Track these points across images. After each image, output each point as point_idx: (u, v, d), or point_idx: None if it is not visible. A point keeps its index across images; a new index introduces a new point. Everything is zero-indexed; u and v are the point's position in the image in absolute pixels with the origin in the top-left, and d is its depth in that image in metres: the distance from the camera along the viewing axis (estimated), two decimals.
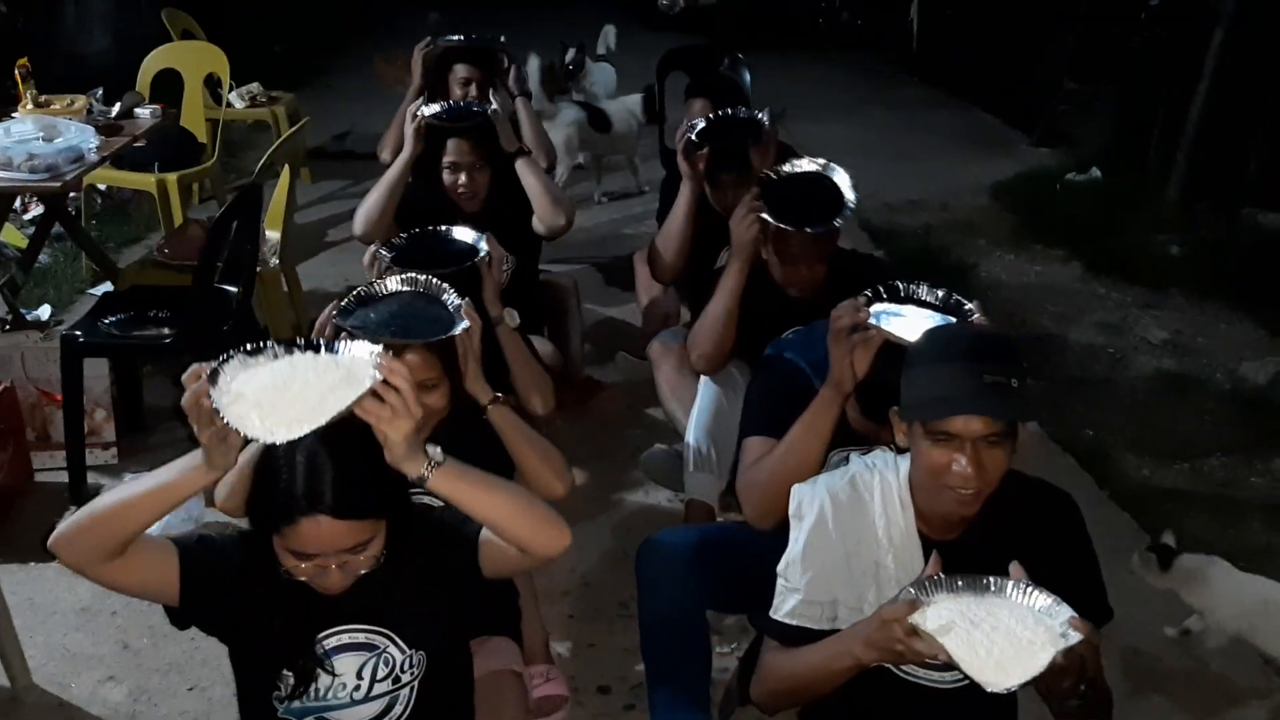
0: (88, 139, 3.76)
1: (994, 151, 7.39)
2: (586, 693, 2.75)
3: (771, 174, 3.04)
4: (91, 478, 3.50)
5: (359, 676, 1.89)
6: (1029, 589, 1.73)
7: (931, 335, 2.02)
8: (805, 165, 3.04)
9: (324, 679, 1.88)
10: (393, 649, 1.90)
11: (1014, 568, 1.77)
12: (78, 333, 3.45)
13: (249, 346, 1.65)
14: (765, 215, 2.90)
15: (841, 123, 7.68)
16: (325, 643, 1.88)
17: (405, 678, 1.91)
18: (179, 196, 4.91)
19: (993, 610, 1.71)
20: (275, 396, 1.57)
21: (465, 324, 2.29)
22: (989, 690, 1.67)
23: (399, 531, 1.84)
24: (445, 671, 1.98)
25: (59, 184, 3.63)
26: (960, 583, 1.75)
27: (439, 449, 1.71)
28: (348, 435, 1.72)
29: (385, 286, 2.38)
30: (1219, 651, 2.91)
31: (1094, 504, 3.41)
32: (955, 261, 5.50)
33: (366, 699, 1.90)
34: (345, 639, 1.88)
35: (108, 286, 4.43)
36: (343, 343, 1.68)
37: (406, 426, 1.64)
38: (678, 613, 2.49)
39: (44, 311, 4.58)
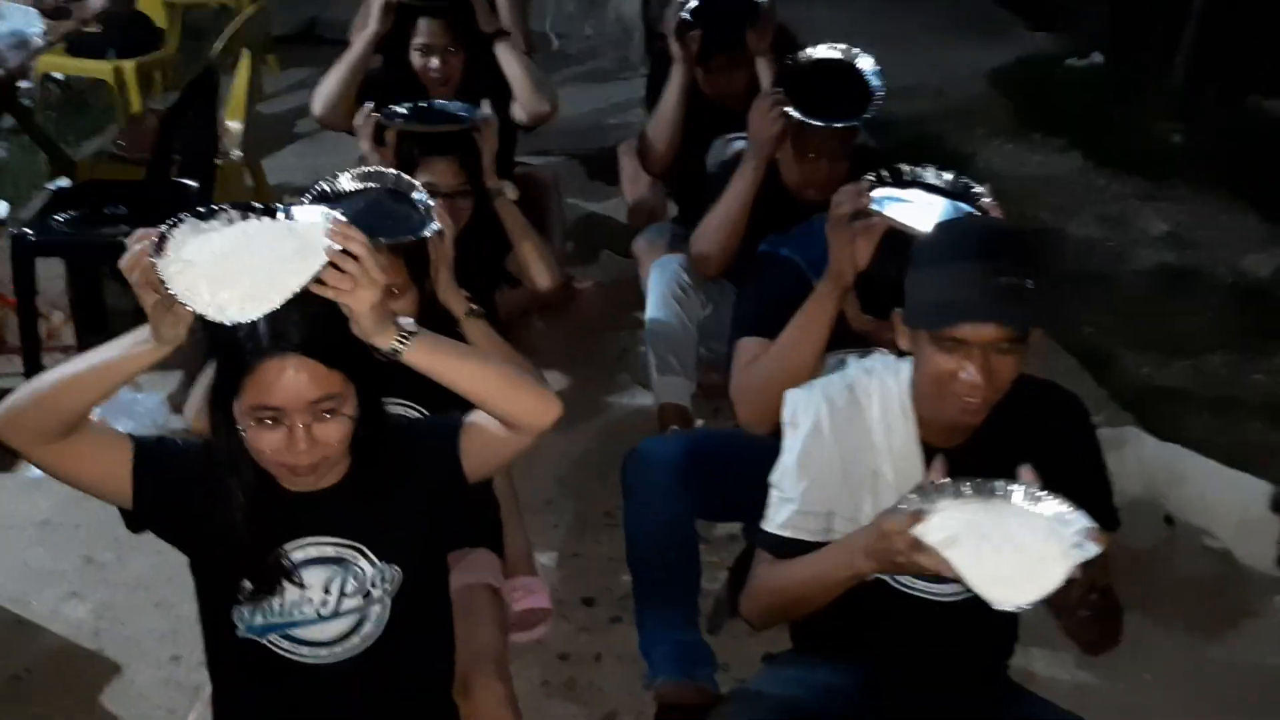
0: (32, 23, 3.52)
1: (991, 36, 7.14)
2: (570, 605, 2.66)
3: (790, 61, 2.86)
4: None
5: (326, 592, 1.76)
6: (1040, 494, 1.62)
7: (939, 232, 1.87)
8: (826, 52, 2.85)
9: (290, 593, 1.76)
10: (363, 562, 1.78)
11: (1024, 470, 1.66)
12: (28, 231, 3.27)
13: (201, 210, 1.52)
14: (790, 110, 2.71)
15: (829, 5, 7.36)
16: (292, 555, 1.76)
17: (376, 593, 1.79)
18: (137, 85, 4.65)
19: (1001, 521, 1.60)
20: (226, 268, 1.46)
21: (437, 226, 2.11)
22: (997, 608, 1.57)
23: (368, 439, 1.70)
24: (420, 587, 1.86)
25: (1, 71, 3.40)
26: (966, 488, 1.63)
27: (411, 320, 1.60)
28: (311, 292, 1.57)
29: (349, 182, 2.20)
30: (1203, 555, 2.86)
31: (1094, 405, 3.29)
32: (951, 151, 5.32)
33: (334, 615, 1.78)
34: (314, 552, 1.76)
35: (68, 181, 4.21)
36: (299, 207, 1.54)
37: (370, 295, 1.52)
38: (665, 524, 2.39)
39: (2, 208, 4.36)
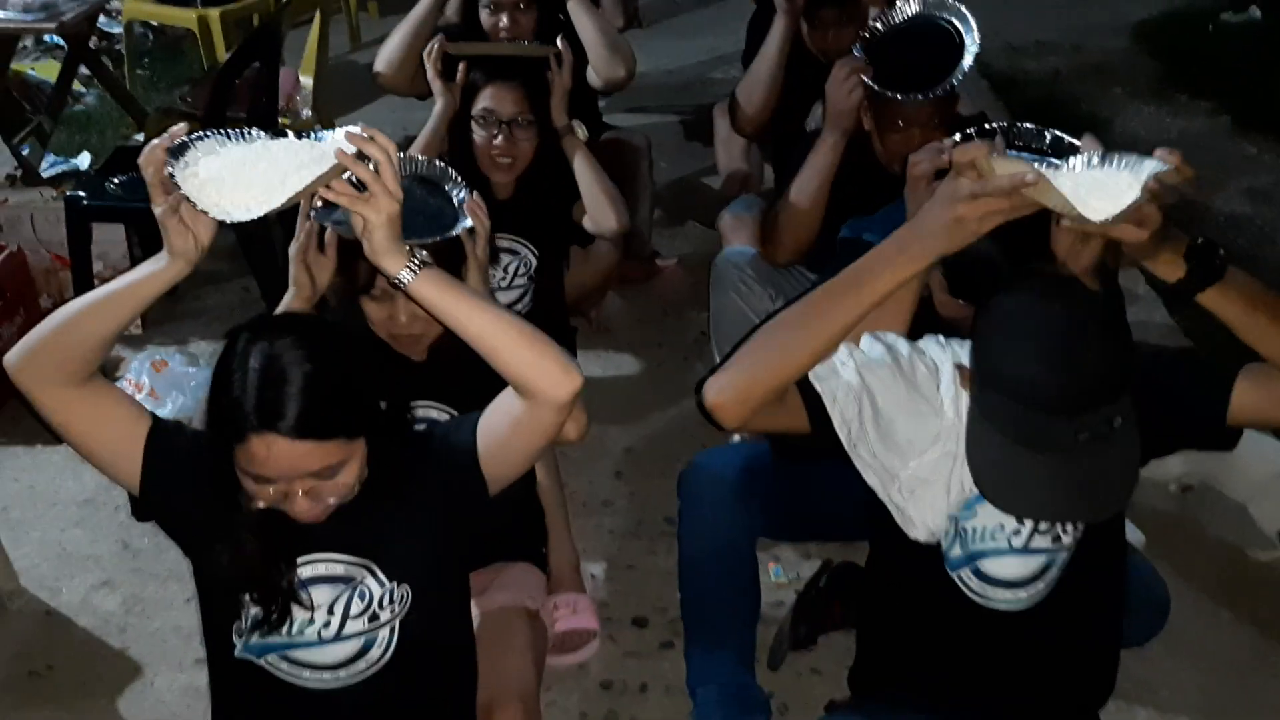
0: None
1: None
2: (619, 624, 2.43)
3: (877, 25, 2.54)
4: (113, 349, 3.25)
5: (330, 612, 1.63)
6: (1109, 154, 1.48)
7: (1010, 349, 1.57)
8: (914, 7, 2.52)
9: (293, 612, 1.63)
10: (370, 580, 1.64)
11: (1088, 139, 1.55)
12: (81, 194, 3.15)
13: (229, 131, 1.47)
14: (867, 79, 2.44)
15: None
16: (300, 572, 1.63)
17: (384, 615, 1.65)
18: (223, 35, 4.51)
19: (1071, 168, 1.48)
20: (239, 174, 1.43)
21: (467, 223, 1.88)
22: (1082, 216, 1.43)
23: (381, 452, 1.57)
24: (432, 609, 1.70)
25: (54, 24, 3.28)
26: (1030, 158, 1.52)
27: (424, 251, 1.51)
28: (318, 343, 1.50)
29: None
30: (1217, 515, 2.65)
31: None
32: (1086, 114, 4.90)
33: (337, 638, 1.64)
34: (322, 569, 1.63)
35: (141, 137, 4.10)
36: (333, 132, 1.45)
37: (388, 207, 1.43)
38: (719, 549, 2.15)
39: (84, 160, 4.28)
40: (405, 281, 1.48)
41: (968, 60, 2.41)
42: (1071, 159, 1.49)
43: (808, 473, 2.20)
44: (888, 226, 2.17)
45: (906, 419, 1.70)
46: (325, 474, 1.51)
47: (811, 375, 1.70)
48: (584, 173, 2.74)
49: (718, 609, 2.15)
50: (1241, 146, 4.73)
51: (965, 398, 1.67)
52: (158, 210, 1.45)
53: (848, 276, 1.60)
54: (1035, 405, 1.52)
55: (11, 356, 1.51)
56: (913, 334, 1.94)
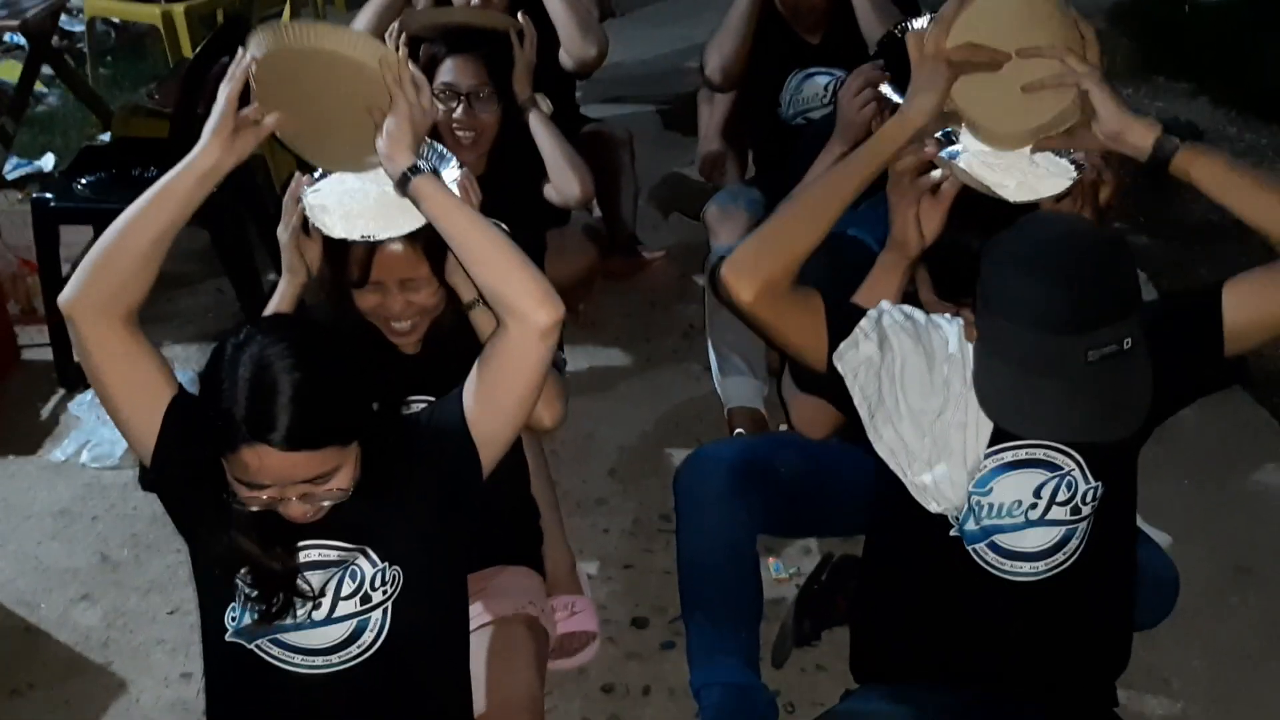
0: None
1: None
2: (619, 626, 2.37)
3: (895, 31, 2.48)
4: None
5: (321, 593, 1.61)
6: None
7: (1014, 273, 1.55)
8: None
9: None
10: (362, 561, 1.61)
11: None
12: (48, 196, 3.06)
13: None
14: (888, 88, 2.35)
15: None
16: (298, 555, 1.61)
17: (376, 597, 1.63)
18: (188, 31, 4.42)
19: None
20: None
21: None
22: (1011, 200, 1.71)
23: (375, 449, 1.56)
24: (424, 594, 1.68)
25: (16, 21, 3.19)
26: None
27: (428, 165, 1.63)
28: (308, 348, 1.48)
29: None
30: None
31: (1222, 398, 2.87)
32: None
33: (328, 620, 1.62)
34: (315, 555, 1.61)
35: (108, 136, 4.00)
36: None
37: (421, 106, 1.61)
38: (720, 546, 2.10)
39: (48, 161, 4.19)
40: (411, 176, 1.57)
41: None
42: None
43: (813, 468, 2.16)
44: (874, 221, 2.15)
45: (922, 387, 1.69)
46: (318, 480, 1.50)
47: (835, 356, 1.70)
48: (545, 141, 2.67)
49: (720, 609, 2.09)
50: (1221, 127, 4.73)
51: (970, 358, 1.66)
52: (221, 97, 1.57)
53: (856, 153, 1.73)
54: (1043, 326, 1.50)
55: (65, 291, 1.52)
56: None
